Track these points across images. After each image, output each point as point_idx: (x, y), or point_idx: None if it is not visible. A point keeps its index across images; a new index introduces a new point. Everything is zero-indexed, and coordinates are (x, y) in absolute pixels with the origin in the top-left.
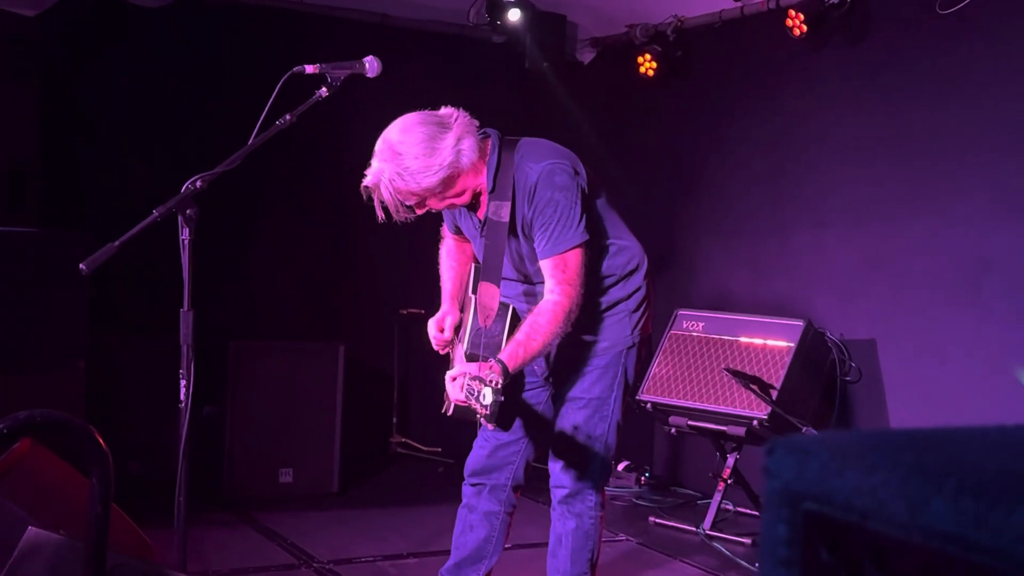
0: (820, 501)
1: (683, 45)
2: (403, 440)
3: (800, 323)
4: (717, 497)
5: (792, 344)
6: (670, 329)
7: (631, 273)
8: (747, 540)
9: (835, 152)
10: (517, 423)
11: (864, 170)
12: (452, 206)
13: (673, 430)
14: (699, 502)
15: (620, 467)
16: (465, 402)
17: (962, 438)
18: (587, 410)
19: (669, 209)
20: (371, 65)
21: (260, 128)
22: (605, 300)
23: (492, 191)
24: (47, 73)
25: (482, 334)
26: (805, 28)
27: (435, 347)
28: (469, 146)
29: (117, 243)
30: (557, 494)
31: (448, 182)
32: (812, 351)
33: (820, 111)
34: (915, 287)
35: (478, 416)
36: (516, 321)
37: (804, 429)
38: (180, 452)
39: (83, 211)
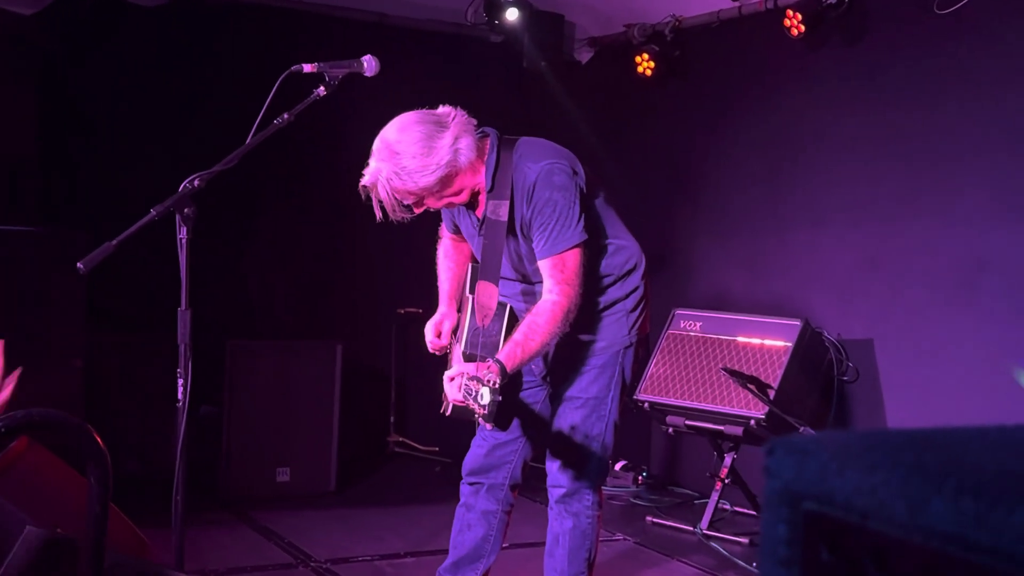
0: (820, 501)
1: (681, 45)
2: (400, 439)
3: (797, 323)
4: (714, 497)
5: (789, 344)
6: (668, 329)
7: (629, 273)
8: (744, 540)
9: (833, 152)
10: (515, 422)
11: (862, 170)
12: (450, 205)
13: (670, 430)
14: (696, 502)
15: (617, 467)
16: (463, 402)
17: (962, 438)
18: (584, 409)
19: (667, 208)
20: (369, 64)
21: (258, 127)
22: (603, 300)
23: (491, 190)
24: (46, 72)
25: (480, 333)
26: (803, 28)
27: (431, 351)
28: (467, 145)
29: (115, 242)
30: (554, 493)
31: (446, 181)
32: (809, 351)
33: (818, 111)
34: (913, 287)
35: (476, 416)
36: (514, 321)
37: (802, 429)
38: (177, 451)
39: (81, 210)
